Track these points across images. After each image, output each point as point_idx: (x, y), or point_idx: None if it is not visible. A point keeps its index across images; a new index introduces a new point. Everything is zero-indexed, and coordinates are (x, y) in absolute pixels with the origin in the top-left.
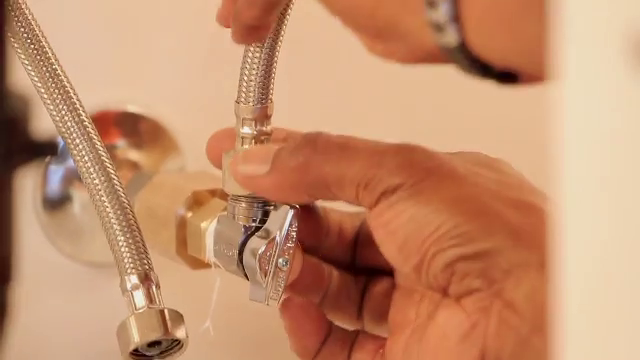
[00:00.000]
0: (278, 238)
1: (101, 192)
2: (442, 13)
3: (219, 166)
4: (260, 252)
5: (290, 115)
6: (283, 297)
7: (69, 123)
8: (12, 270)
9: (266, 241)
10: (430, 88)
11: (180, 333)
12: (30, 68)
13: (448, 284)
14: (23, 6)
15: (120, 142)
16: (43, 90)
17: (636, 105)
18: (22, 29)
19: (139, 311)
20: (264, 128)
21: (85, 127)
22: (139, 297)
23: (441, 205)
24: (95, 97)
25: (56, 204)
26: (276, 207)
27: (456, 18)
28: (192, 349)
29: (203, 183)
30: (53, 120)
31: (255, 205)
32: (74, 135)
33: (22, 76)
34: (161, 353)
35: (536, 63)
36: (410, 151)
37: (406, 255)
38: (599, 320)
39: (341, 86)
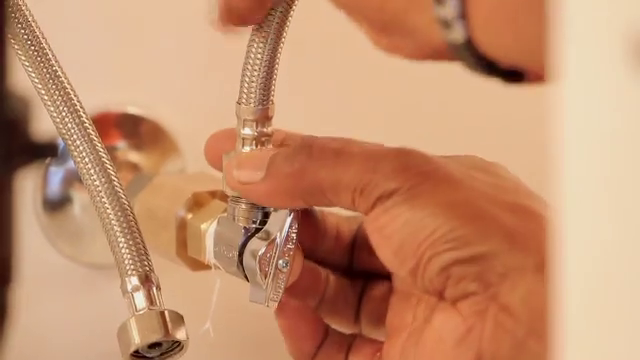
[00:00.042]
0: (278, 240)
1: (102, 193)
2: (450, 10)
3: (217, 167)
4: (260, 254)
5: (291, 116)
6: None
7: (69, 124)
8: (12, 271)
9: (266, 242)
10: (431, 90)
11: (181, 334)
12: (30, 69)
13: (444, 288)
14: (23, 7)
15: (120, 143)
16: (43, 91)
17: (636, 106)
18: (22, 30)
19: (139, 312)
20: (265, 129)
21: (86, 128)
22: (139, 298)
23: (437, 209)
24: (95, 98)
25: (56, 205)
26: (276, 208)
27: (463, 15)
28: (192, 350)
29: (203, 184)
30: (53, 121)
31: (255, 206)
32: (74, 136)
33: (22, 77)
34: (162, 354)
35: (541, 62)
36: (406, 155)
37: (402, 259)
38: (599, 322)
39: (342, 88)
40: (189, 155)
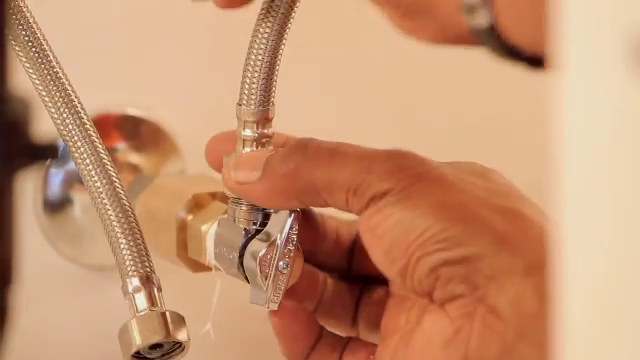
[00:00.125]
0: (279, 241)
1: (102, 195)
2: None
3: (218, 169)
4: (261, 255)
5: (291, 118)
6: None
7: (70, 126)
8: (13, 273)
9: (267, 244)
10: (432, 91)
11: (182, 335)
12: (31, 71)
13: (432, 289)
14: (24, 9)
15: (121, 145)
16: (44, 93)
17: (637, 107)
18: (23, 32)
19: (140, 314)
20: (265, 131)
21: (87, 130)
22: (140, 300)
23: (428, 210)
24: (96, 100)
25: (57, 207)
26: (276, 210)
27: (488, 0)
28: (193, 352)
29: (203, 186)
30: (54, 123)
31: (256, 208)
32: (75, 138)
33: (23, 79)
34: (163, 355)
35: None
36: (399, 157)
37: (392, 259)
38: (600, 324)
39: (343, 90)
40: (189, 156)
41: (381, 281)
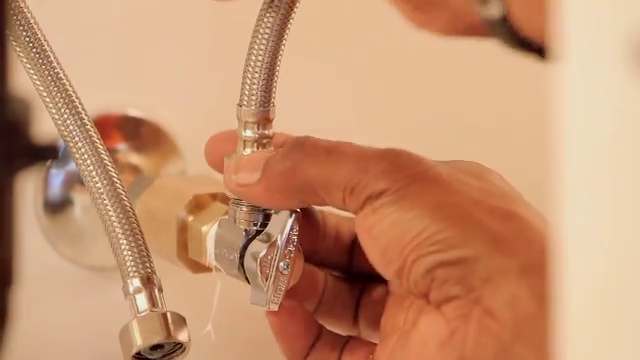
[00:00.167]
0: (279, 242)
1: (103, 195)
2: None
3: (218, 169)
4: (261, 256)
5: (292, 119)
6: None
7: (71, 126)
8: (13, 273)
9: (267, 245)
10: (434, 93)
11: (182, 336)
12: (32, 71)
13: (428, 290)
14: (25, 9)
15: (121, 146)
16: (45, 94)
17: (637, 108)
18: (24, 32)
19: (141, 314)
20: (266, 131)
21: (87, 130)
22: (141, 300)
23: (424, 211)
24: (96, 101)
25: (57, 208)
26: (277, 211)
27: None
28: (193, 353)
29: (204, 187)
30: (55, 123)
31: (256, 209)
32: (76, 138)
33: (24, 79)
34: (163, 356)
35: None
36: (396, 156)
37: (388, 260)
38: (600, 325)
39: (343, 90)
40: (190, 157)
41: (382, 279)
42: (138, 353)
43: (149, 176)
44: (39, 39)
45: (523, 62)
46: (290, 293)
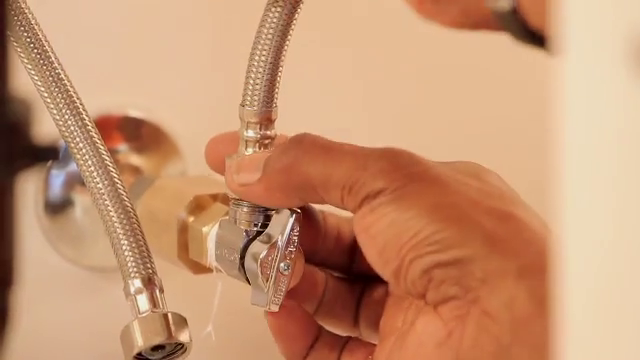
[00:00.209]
0: (280, 242)
1: (104, 196)
2: None
3: (218, 170)
4: (262, 257)
5: (292, 119)
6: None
7: (72, 127)
8: (14, 274)
9: (268, 245)
10: (434, 93)
11: (184, 337)
12: (33, 72)
13: (425, 291)
14: (26, 10)
15: (122, 146)
16: (46, 94)
17: (637, 109)
18: (25, 33)
19: (142, 315)
20: (268, 132)
21: (88, 131)
22: (142, 301)
23: (421, 211)
24: (97, 101)
25: (58, 208)
26: (278, 211)
27: None
28: (194, 353)
29: (205, 187)
30: (56, 124)
31: (257, 209)
32: (77, 139)
33: (25, 80)
34: (165, 357)
35: None
36: (395, 156)
37: (385, 260)
38: (601, 326)
39: (345, 91)
40: (190, 158)
41: (383, 279)
42: (139, 354)
43: (150, 177)
44: (40, 40)
45: (523, 62)
46: (291, 294)
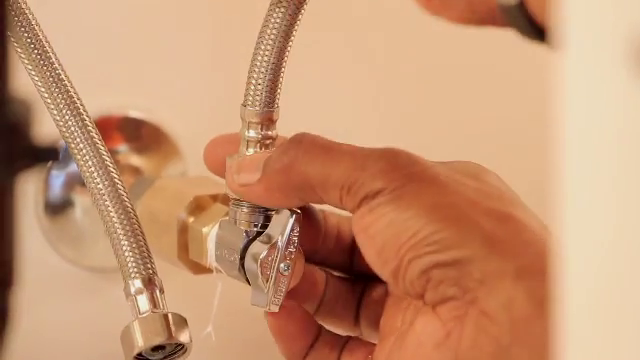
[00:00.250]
0: (280, 243)
1: (105, 197)
2: None
3: (216, 172)
4: (262, 257)
5: (293, 120)
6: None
7: (72, 128)
8: (14, 275)
9: (268, 246)
10: (435, 93)
11: (184, 337)
12: (33, 73)
13: (424, 291)
14: (26, 11)
15: (122, 147)
16: (47, 95)
17: (638, 109)
18: (25, 34)
19: (143, 315)
20: (269, 132)
21: (89, 132)
22: (143, 301)
23: (420, 211)
24: (97, 102)
25: (58, 209)
26: (278, 212)
27: None
28: (194, 354)
29: (205, 188)
30: (57, 125)
31: (257, 210)
32: (77, 140)
33: (25, 81)
34: (165, 357)
35: None
36: (394, 156)
37: (384, 260)
38: (601, 326)
39: (346, 91)
40: (190, 158)
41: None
42: (139, 354)
43: (150, 177)
44: (40, 40)
45: (523, 62)
46: (291, 294)
